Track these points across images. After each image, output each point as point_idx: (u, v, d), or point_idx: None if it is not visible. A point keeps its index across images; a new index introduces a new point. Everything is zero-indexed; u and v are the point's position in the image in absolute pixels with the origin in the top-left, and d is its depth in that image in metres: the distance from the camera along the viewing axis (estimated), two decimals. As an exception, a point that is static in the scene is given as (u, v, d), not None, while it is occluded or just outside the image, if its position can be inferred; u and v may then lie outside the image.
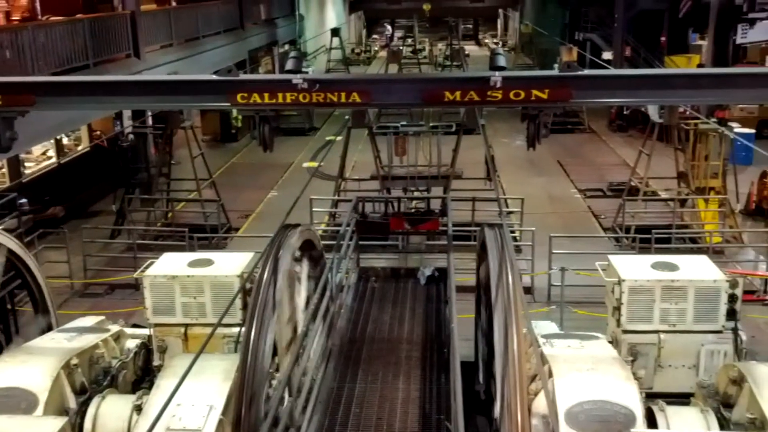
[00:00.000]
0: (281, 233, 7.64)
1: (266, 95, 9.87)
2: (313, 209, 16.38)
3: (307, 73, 10.23)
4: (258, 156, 13.38)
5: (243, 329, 6.96)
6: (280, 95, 9.86)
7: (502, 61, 10.22)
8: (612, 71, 13.08)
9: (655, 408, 7.19)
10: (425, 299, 10.31)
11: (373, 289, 10.75)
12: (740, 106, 24.48)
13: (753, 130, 23.96)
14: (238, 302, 8.91)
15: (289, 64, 10.13)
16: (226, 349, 8.85)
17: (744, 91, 10.09)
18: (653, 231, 15.24)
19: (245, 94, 9.93)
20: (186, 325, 9.16)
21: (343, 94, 9.99)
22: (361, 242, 12.03)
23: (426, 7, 62.70)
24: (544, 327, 9.06)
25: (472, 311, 9.22)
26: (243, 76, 10.15)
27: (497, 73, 9.76)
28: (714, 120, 16.56)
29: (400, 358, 8.48)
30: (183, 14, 23.61)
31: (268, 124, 10.35)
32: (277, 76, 11.42)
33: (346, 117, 17.59)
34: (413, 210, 15.65)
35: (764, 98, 14.80)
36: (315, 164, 23.32)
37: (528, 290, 14.06)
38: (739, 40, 21.60)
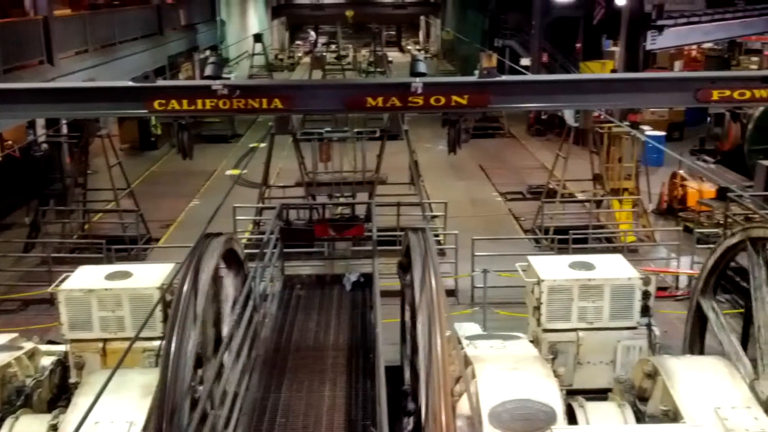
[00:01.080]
0: (202, 242, 7.50)
1: (185, 102, 9.71)
2: (237, 217, 16.15)
3: (227, 78, 10.14)
4: (179, 164, 13.08)
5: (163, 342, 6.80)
6: (199, 102, 9.72)
7: (422, 67, 10.36)
8: (528, 77, 13.43)
9: (575, 404, 7.40)
10: (351, 305, 10.31)
11: (299, 296, 10.67)
12: (651, 109, 25.51)
13: (663, 133, 25.01)
14: (159, 315, 8.74)
15: (208, 70, 10.00)
16: (147, 363, 8.65)
17: (653, 95, 10.55)
18: (571, 231, 15.70)
19: (163, 101, 9.74)
20: (104, 340, 8.95)
21: (264, 101, 9.93)
22: (285, 250, 11.94)
23: (349, 13, 62.93)
24: (467, 329, 9.21)
25: (398, 315, 9.28)
26: (160, 83, 9.95)
27: (418, 80, 9.90)
28: (626, 123, 17.18)
29: (325, 366, 8.45)
30: (99, 19, 22.95)
31: (187, 131, 10.19)
32: (196, 82, 11.26)
33: (270, 123, 17.43)
34: (338, 216, 15.65)
35: (673, 102, 15.47)
36: (238, 172, 23.02)
37: (452, 293, 14.25)
38: (648, 46, 22.54)
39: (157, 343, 8.28)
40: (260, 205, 17.59)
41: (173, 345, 6.36)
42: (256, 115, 25.94)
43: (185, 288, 6.74)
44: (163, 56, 28.79)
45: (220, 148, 27.97)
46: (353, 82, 19.03)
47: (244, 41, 46.47)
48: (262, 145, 20.42)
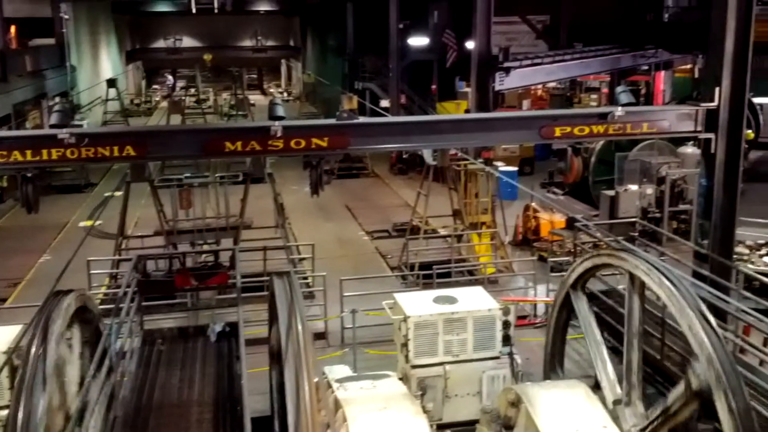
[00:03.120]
0: (51, 301, 7.07)
1: (28, 153, 9.27)
2: (92, 272, 15.30)
3: (79, 126, 9.69)
4: (27, 217, 12.30)
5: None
6: (44, 152, 9.28)
7: (280, 110, 10.39)
8: (386, 119, 13.82)
9: (444, 438, 7.53)
10: (216, 357, 9.98)
11: (160, 351, 10.22)
12: (503, 146, 26.81)
13: (516, 168, 26.35)
14: (6, 382, 8.10)
15: (54, 119, 9.54)
16: (-8, 435, 7.96)
17: (502, 133, 11.19)
18: (434, 266, 16.07)
19: (4, 152, 9.25)
20: (-56, 415, 8.17)
21: (115, 148, 9.61)
22: (144, 303, 11.43)
23: (207, 57, 62.23)
24: (337, 371, 9.17)
25: (266, 363, 9.08)
26: (1, 133, 9.41)
27: (277, 123, 9.93)
28: (481, 160, 17.93)
29: (191, 423, 8.12)
30: (-69, 66, 21.41)
31: (32, 183, 9.62)
32: (40, 131, 10.71)
33: (126, 171, 16.73)
34: (201, 264, 15.21)
35: (519, 139, 16.42)
36: (92, 223, 21.92)
37: (322, 335, 14.11)
38: (497, 87, 23.64)
39: (4, 412, 7.66)
40: (117, 257, 16.77)
41: (21, 414, 5.92)
42: (110, 164, 24.89)
43: (32, 351, 6.31)
44: (8, 104, 27.24)
45: (72, 199, 26.57)
46: (210, 127, 18.80)
47: (98, 86, 44.74)
48: (118, 193, 19.59)
